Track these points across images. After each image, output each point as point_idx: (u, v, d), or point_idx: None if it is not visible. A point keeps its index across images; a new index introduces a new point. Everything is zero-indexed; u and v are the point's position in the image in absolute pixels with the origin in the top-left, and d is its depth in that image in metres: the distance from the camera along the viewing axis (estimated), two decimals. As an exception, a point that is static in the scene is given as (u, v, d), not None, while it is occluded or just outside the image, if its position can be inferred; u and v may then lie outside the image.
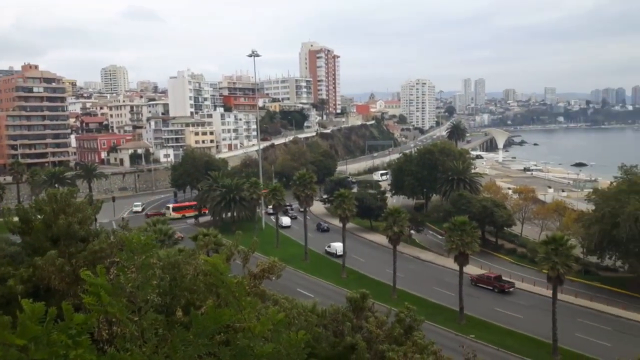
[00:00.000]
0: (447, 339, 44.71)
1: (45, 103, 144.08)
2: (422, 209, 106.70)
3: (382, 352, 18.04)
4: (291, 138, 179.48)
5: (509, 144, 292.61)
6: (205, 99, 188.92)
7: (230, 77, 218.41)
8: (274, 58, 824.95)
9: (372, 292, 24.07)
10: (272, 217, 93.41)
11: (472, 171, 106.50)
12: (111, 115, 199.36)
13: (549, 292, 50.94)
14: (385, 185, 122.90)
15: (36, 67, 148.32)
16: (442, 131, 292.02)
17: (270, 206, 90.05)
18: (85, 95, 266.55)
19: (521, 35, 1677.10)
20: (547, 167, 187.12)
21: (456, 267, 55.49)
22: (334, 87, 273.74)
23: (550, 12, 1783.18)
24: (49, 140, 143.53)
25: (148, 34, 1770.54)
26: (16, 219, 15.99)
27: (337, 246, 76.87)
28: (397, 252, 61.93)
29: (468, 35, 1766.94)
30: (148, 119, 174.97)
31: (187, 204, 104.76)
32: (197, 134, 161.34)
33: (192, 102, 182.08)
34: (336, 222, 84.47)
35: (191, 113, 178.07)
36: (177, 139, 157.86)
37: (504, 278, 64.48)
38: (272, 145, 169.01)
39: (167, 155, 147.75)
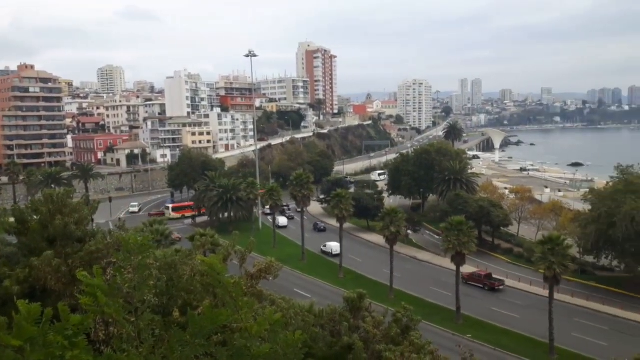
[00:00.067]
0: (444, 338, 44.76)
1: (42, 103, 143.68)
2: (419, 209, 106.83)
3: (379, 352, 18.06)
4: (288, 138, 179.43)
5: (505, 144, 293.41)
6: (202, 99, 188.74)
7: (228, 77, 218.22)
8: (271, 58, 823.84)
9: (369, 292, 24.09)
10: (269, 218, 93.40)
11: (469, 171, 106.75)
12: (108, 116, 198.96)
13: (545, 292, 51.02)
14: (382, 185, 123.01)
15: (32, 67, 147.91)
16: (439, 131, 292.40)
17: (268, 206, 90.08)
18: (81, 95, 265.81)
19: (519, 35, 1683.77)
20: (544, 167, 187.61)
21: (453, 267, 55.60)
22: (331, 87, 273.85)
23: (548, 12, 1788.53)
24: (45, 141, 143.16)
25: (145, 34, 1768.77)
26: (12, 219, 15.95)
27: (333, 245, 77.12)
28: (394, 252, 61.98)
29: (467, 35, 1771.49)
30: (145, 119, 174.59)
31: (186, 204, 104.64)
32: (194, 134, 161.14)
33: (189, 102, 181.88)
34: (333, 222, 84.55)
35: (188, 113, 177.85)
36: (174, 139, 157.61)
37: (494, 276, 65.20)
38: (269, 146, 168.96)
39: (164, 156, 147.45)
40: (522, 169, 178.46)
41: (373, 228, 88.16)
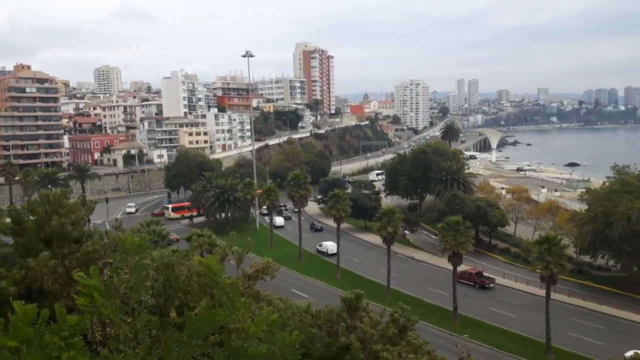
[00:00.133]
0: (441, 338, 44.80)
1: (38, 103, 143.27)
2: (416, 209, 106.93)
3: (376, 352, 18.06)
4: (285, 138, 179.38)
5: (502, 144, 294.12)
6: (199, 100, 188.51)
7: (224, 77, 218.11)
8: (268, 58, 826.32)
9: (367, 292, 24.08)
10: (267, 218, 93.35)
11: (466, 171, 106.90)
12: (104, 116, 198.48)
13: (542, 292, 51.17)
14: (379, 185, 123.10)
15: (29, 67, 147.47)
16: (436, 131, 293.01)
17: (265, 207, 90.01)
18: (78, 95, 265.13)
19: (517, 36, 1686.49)
20: (540, 167, 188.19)
21: (450, 267, 55.69)
22: (328, 88, 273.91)
23: (548, 12, 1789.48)
24: (41, 141, 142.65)
25: (142, 34, 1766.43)
26: (8, 220, 15.89)
27: (329, 245, 77.51)
28: (391, 252, 62.07)
29: (466, 35, 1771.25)
30: (141, 120, 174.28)
31: (186, 204, 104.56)
32: (190, 134, 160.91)
33: (185, 102, 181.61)
34: (330, 222, 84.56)
35: (185, 113, 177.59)
36: (170, 140, 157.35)
37: (484, 274, 65.80)
38: (266, 146, 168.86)
39: (160, 156, 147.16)
40: (518, 169, 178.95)
41: (370, 228, 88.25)
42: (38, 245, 14.02)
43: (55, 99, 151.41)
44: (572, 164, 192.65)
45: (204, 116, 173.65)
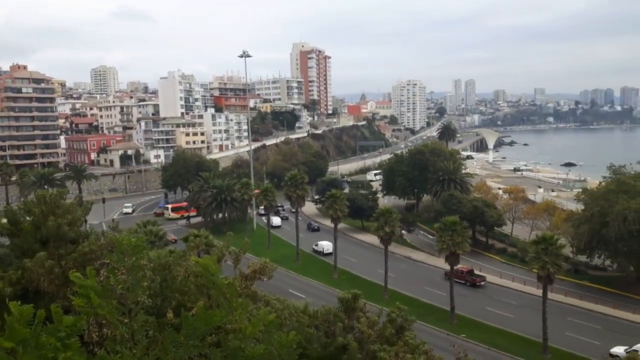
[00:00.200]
0: (438, 338, 44.85)
1: (34, 104, 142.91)
2: (413, 209, 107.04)
3: (373, 352, 18.07)
4: (282, 139, 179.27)
5: (499, 144, 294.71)
6: (196, 100, 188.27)
7: (221, 77, 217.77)
8: (266, 58, 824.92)
9: (364, 293, 24.10)
10: (264, 218, 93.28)
11: (463, 171, 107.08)
12: (101, 116, 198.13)
13: (539, 292, 51.30)
14: (376, 185, 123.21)
15: (25, 67, 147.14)
16: (433, 132, 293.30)
17: (262, 207, 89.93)
18: (74, 95, 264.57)
19: (515, 36, 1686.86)
20: (537, 167, 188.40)
21: (447, 266, 55.78)
22: (325, 88, 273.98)
23: (546, 12, 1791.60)
24: (38, 141, 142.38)
25: (139, 34, 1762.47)
26: (4, 220, 15.83)
27: (324, 244, 77.79)
28: (388, 252, 62.08)
29: (465, 35, 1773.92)
30: (138, 120, 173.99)
31: (185, 204, 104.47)
32: (187, 134, 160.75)
33: (182, 102, 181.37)
34: (327, 223, 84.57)
35: (182, 114, 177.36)
36: (167, 140, 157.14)
37: (475, 272, 66.48)
38: (264, 146, 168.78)
39: (157, 156, 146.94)
40: (515, 169, 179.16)
41: (367, 228, 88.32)
42: (34, 245, 13.98)
43: (52, 99, 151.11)
44: (569, 164, 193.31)
45: (200, 116, 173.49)
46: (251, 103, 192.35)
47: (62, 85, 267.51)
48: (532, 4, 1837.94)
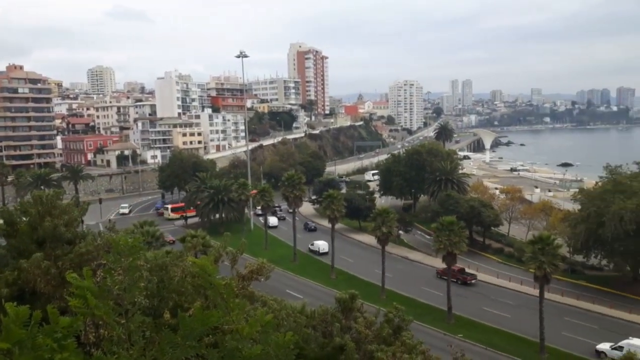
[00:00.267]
0: (435, 338, 44.89)
1: (31, 104, 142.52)
2: (410, 209, 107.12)
3: (370, 352, 18.08)
4: (280, 139, 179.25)
5: (496, 144, 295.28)
6: (193, 100, 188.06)
7: (219, 77, 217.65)
8: (263, 59, 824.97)
9: (361, 293, 24.10)
10: (261, 219, 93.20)
11: (460, 171, 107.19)
12: (98, 117, 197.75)
13: (535, 291, 51.31)
14: (374, 185, 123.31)
15: (21, 67, 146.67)
16: (430, 132, 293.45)
17: (259, 207, 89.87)
18: (71, 96, 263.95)
19: (515, 36, 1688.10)
20: (534, 167, 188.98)
21: (444, 267, 55.80)
22: (323, 88, 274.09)
23: (545, 12, 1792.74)
24: (34, 142, 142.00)
25: (135, 34, 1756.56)
26: (1, 221, 15.80)
27: (320, 244, 78.04)
28: (385, 252, 62.08)
29: (464, 35, 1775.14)
30: (135, 120, 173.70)
31: (183, 204, 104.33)
32: (184, 135, 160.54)
33: (179, 102, 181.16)
34: (325, 223, 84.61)
35: (179, 114, 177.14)
36: (164, 140, 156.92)
37: (466, 270, 66.94)
38: (261, 146, 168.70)
39: (154, 157, 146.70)
40: (512, 169, 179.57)
41: (365, 228, 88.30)
42: (31, 246, 13.94)
43: (48, 100, 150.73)
44: (565, 164, 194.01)
45: (197, 117, 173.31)
46: (248, 103, 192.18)
47: (59, 85, 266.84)
48: (532, 4, 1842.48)
